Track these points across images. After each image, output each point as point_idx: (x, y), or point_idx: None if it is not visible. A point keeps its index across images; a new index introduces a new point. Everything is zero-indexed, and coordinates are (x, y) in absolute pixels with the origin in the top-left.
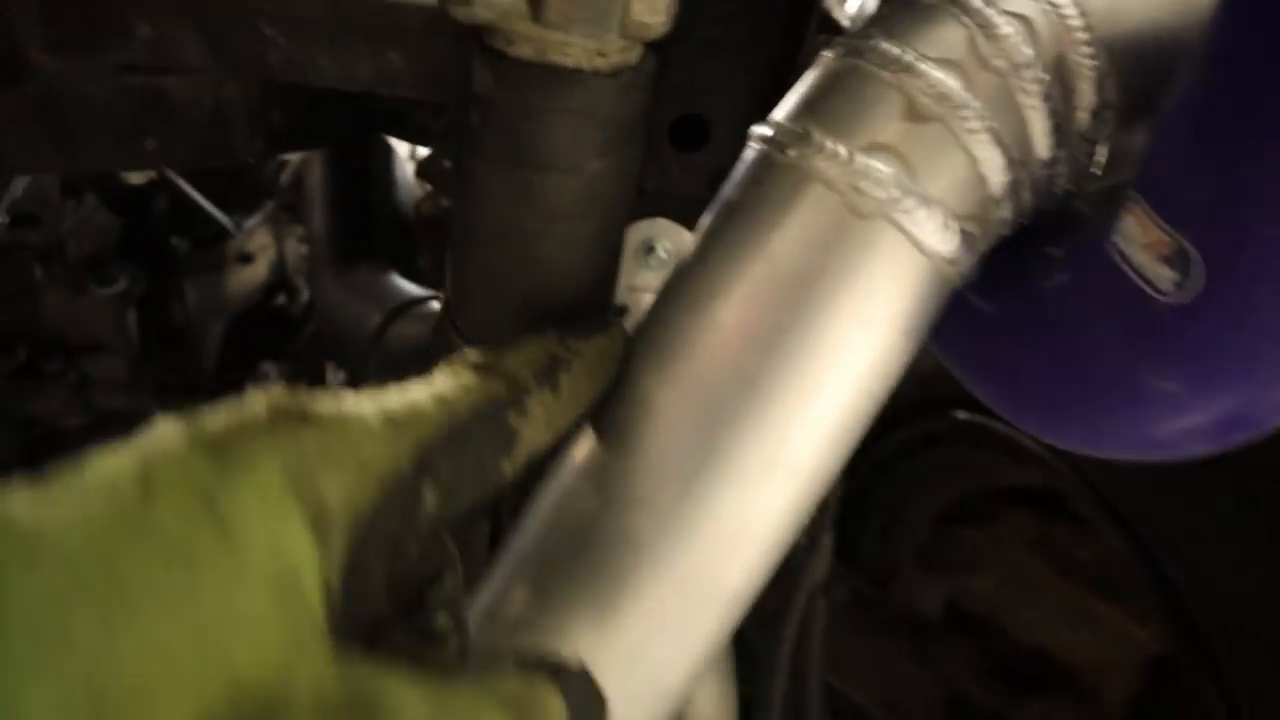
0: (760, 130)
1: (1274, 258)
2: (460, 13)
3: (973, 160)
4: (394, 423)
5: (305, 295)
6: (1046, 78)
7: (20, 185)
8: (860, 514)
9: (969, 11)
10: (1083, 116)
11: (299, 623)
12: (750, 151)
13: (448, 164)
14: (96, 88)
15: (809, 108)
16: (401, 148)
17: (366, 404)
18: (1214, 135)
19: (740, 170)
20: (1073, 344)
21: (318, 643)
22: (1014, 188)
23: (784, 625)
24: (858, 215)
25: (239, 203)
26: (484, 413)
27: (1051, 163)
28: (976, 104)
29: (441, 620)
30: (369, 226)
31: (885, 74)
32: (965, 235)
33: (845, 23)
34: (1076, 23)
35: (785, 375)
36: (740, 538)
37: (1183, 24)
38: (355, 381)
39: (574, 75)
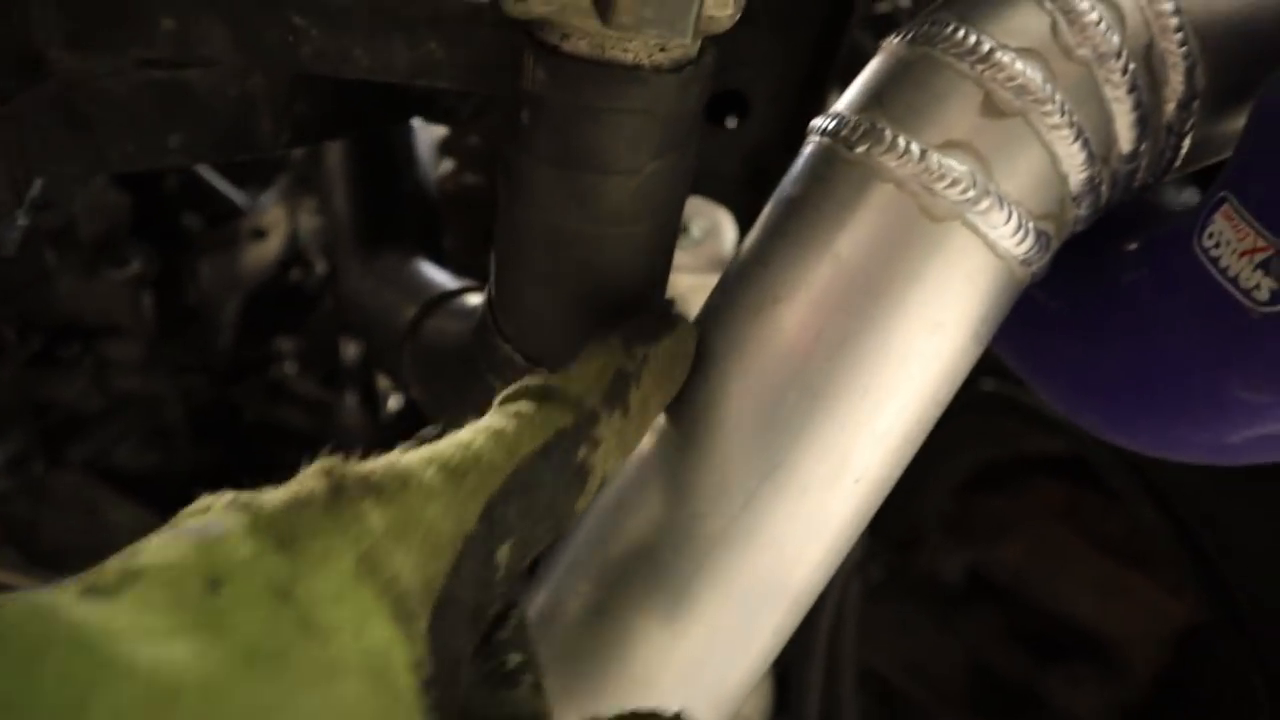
0: (822, 123)
1: None
2: (514, 9)
3: (1053, 157)
4: (458, 480)
5: (319, 269)
6: (1134, 67)
7: (38, 184)
8: None
9: None
10: (1170, 108)
11: (397, 708)
12: (811, 144)
13: (474, 140)
14: (117, 84)
15: (876, 99)
16: (417, 121)
17: (425, 462)
18: None
19: (801, 164)
20: (1148, 345)
21: None
22: (1093, 184)
23: (820, 609)
24: (930, 218)
25: (251, 177)
26: (552, 451)
27: (1134, 156)
28: (1059, 97)
29: (514, 660)
30: (393, 208)
31: (961, 65)
32: (1040, 235)
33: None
34: (1167, 6)
35: (851, 384)
36: (803, 548)
37: None
38: (379, 365)
39: (634, 73)
